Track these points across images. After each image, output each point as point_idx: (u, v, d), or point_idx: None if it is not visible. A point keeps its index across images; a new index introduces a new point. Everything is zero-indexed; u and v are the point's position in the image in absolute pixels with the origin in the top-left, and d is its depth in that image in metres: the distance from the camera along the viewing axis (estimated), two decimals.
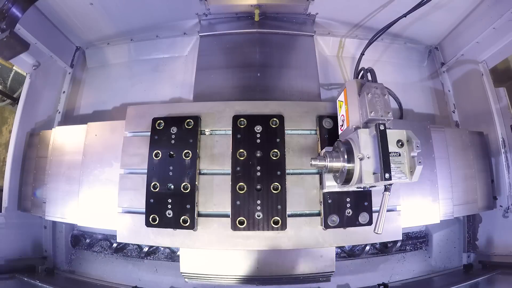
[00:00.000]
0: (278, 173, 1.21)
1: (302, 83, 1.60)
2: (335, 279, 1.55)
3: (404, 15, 1.49)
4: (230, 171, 1.22)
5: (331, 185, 1.16)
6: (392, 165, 0.88)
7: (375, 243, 1.59)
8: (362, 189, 1.17)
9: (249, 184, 1.20)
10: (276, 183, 1.20)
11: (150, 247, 1.59)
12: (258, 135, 1.25)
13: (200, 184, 1.23)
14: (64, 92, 1.90)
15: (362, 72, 1.15)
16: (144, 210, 1.21)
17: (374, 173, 0.91)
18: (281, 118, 1.28)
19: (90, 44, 1.99)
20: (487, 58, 1.63)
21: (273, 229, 1.17)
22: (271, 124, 1.27)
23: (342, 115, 1.11)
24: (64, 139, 1.50)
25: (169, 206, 1.19)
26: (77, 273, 1.68)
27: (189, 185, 1.20)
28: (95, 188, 1.38)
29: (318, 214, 1.21)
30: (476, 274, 1.46)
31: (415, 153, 0.89)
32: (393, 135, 0.92)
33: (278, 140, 1.25)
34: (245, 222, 1.17)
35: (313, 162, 1.02)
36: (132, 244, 1.62)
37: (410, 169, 0.90)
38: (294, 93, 1.56)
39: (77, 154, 1.43)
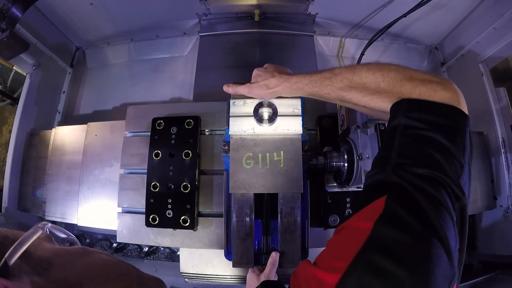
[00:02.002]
0: None
1: None
2: None
3: (404, 15, 1.49)
4: None
5: (331, 185, 1.16)
6: None
7: None
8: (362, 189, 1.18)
9: None
10: None
11: (150, 247, 1.59)
12: None
13: (200, 184, 1.23)
14: (64, 92, 1.90)
15: None
16: (144, 210, 1.21)
17: None
18: None
19: (90, 44, 1.99)
20: (487, 58, 1.63)
21: None
22: None
23: (342, 115, 1.11)
24: (64, 139, 1.51)
25: (169, 206, 1.19)
26: None
27: (189, 185, 1.20)
28: (95, 188, 1.38)
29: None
30: (476, 274, 1.46)
31: None
32: None
33: None
34: None
35: (313, 162, 1.02)
36: (132, 244, 1.62)
37: None
38: None
39: (77, 154, 1.43)
